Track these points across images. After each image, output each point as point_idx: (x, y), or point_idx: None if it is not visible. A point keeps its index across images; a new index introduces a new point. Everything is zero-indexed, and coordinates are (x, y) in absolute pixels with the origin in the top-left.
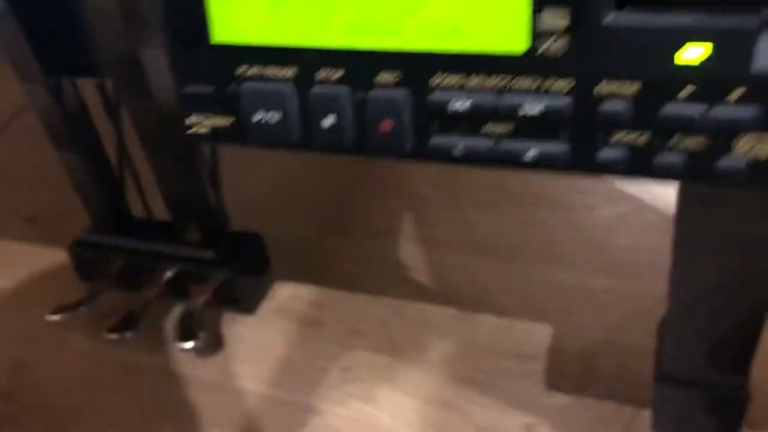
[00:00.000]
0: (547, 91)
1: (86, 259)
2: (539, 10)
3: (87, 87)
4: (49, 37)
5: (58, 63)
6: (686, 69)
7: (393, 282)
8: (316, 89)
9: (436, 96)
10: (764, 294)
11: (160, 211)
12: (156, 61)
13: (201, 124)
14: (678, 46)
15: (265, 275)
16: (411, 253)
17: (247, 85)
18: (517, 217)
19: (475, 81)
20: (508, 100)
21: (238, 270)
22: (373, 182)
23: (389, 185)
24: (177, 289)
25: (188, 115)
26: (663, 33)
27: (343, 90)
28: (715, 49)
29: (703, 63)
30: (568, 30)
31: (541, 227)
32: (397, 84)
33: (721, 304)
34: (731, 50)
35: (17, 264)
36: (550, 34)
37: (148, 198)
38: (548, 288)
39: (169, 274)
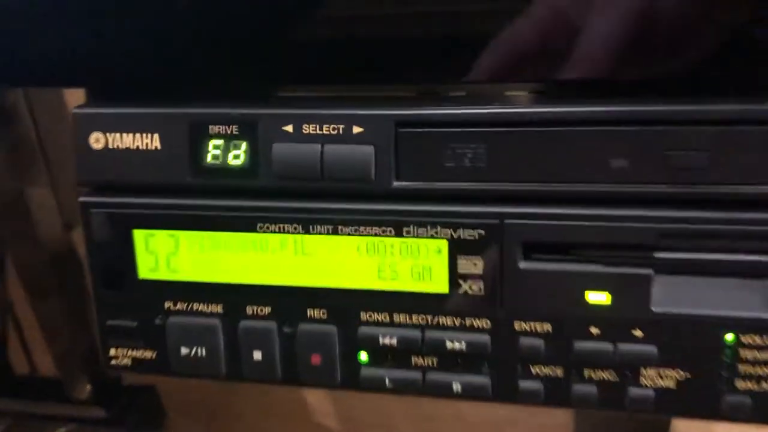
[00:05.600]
0: (468, 329)
1: None
2: (456, 258)
3: None
4: None
5: None
6: (592, 310)
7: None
8: (244, 324)
9: (364, 331)
10: None
11: (46, 366)
12: (42, 201)
13: (123, 356)
14: (583, 290)
15: (160, 430)
16: (315, 400)
17: (173, 319)
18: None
19: (401, 317)
20: (433, 335)
21: (131, 428)
22: None
23: None
24: None
25: (110, 347)
26: (568, 279)
27: (272, 325)
28: (616, 293)
29: (606, 305)
30: (482, 276)
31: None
32: (326, 319)
33: None
34: (630, 294)
35: None
36: (467, 277)
37: (33, 352)
38: None
39: None
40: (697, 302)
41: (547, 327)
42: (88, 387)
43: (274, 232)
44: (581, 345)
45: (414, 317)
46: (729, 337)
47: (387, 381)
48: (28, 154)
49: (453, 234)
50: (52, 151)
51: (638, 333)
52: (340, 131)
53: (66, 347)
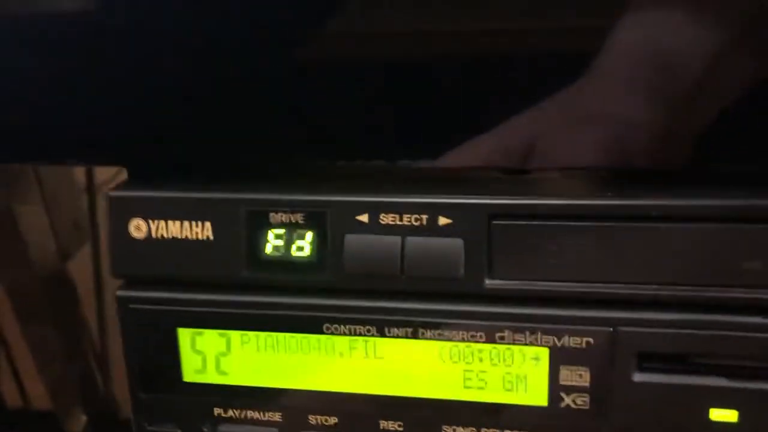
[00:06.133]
0: None
1: None
2: (558, 368)
3: None
4: None
5: None
6: (717, 429)
7: None
8: None
9: None
10: None
11: (39, 397)
12: (35, 223)
13: None
14: (706, 407)
15: None
16: None
17: (223, 428)
18: None
19: None
20: None
21: None
22: None
23: None
24: None
25: None
26: (689, 394)
27: None
28: (745, 411)
29: (734, 424)
30: (589, 388)
31: None
32: None
33: None
34: (762, 413)
35: None
36: (571, 390)
37: (25, 382)
38: None
39: None
40: None
41: None
42: (84, 419)
43: (344, 334)
44: None
45: None
46: None
47: None
48: (20, 173)
49: (556, 341)
50: (45, 177)
51: None
52: (424, 222)
53: (59, 376)
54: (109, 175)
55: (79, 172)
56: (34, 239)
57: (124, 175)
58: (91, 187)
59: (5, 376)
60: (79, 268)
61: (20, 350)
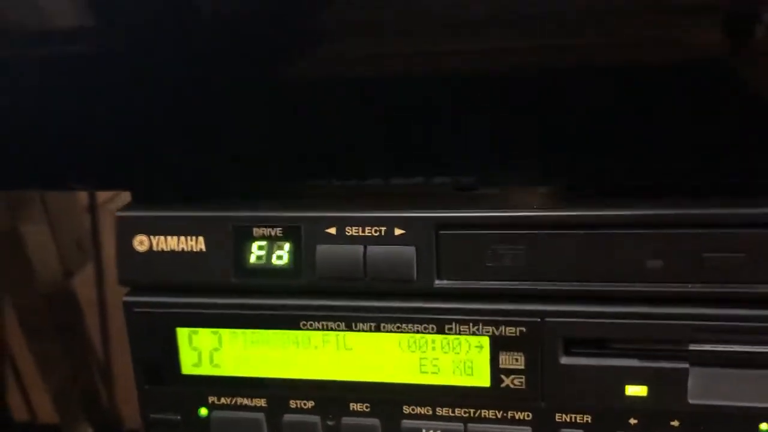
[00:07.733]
0: (510, 421)
1: None
2: (498, 354)
3: None
4: None
5: None
6: (631, 402)
7: None
8: (288, 418)
9: (407, 424)
10: None
11: (45, 411)
12: (40, 241)
13: None
14: (621, 384)
15: None
16: None
17: (217, 413)
18: None
19: (443, 410)
20: (475, 428)
21: None
22: None
23: None
24: None
25: None
26: (608, 373)
27: (315, 419)
28: (653, 386)
29: (644, 397)
30: (524, 370)
31: None
32: (369, 413)
33: None
34: (667, 387)
35: None
36: (509, 372)
37: (31, 396)
38: None
39: None
40: (732, 394)
41: (588, 418)
42: (89, 431)
43: (318, 329)
44: None
45: (456, 410)
46: (764, 426)
47: None
48: (25, 194)
49: (495, 331)
50: (49, 198)
51: (675, 423)
52: (382, 233)
53: (64, 389)
54: (109, 197)
55: (82, 194)
56: (38, 258)
57: (122, 196)
58: (93, 208)
59: (12, 389)
60: (83, 286)
61: (26, 365)
